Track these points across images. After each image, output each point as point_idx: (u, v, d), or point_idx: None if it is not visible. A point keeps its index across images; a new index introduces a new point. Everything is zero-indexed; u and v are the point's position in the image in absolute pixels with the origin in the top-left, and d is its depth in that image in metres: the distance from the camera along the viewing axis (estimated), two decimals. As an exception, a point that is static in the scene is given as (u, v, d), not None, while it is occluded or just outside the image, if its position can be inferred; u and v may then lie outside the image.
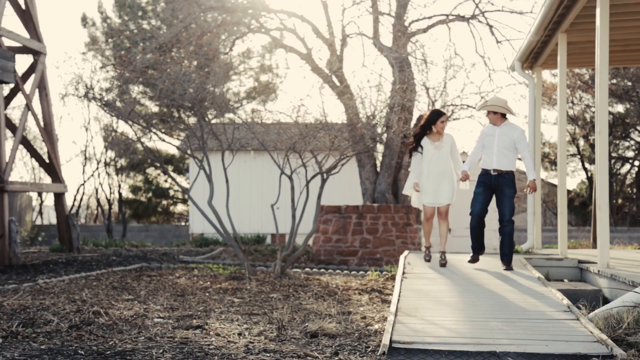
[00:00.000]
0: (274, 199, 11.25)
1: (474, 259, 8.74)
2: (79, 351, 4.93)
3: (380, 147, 18.16)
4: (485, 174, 8.48)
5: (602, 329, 5.38)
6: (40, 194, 29.93)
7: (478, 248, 8.69)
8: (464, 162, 8.89)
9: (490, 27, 17.87)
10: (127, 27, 25.80)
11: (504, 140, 8.37)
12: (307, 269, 11.96)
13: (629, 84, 26.46)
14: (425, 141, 8.88)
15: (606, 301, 7.51)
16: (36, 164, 28.88)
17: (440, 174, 8.80)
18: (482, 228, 8.59)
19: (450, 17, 18.12)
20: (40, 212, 30.44)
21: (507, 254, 8.42)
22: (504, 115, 8.51)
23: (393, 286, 8.80)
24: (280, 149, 11.33)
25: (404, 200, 18.33)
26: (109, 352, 4.91)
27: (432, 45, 35.01)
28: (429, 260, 9.01)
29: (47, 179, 27.92)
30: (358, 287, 9.03)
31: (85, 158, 29.04)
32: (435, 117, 8.82)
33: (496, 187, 8.38)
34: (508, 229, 8.37)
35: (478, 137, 8.71)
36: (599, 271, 8.16)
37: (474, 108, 18.10)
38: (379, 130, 12.63)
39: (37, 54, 14.96)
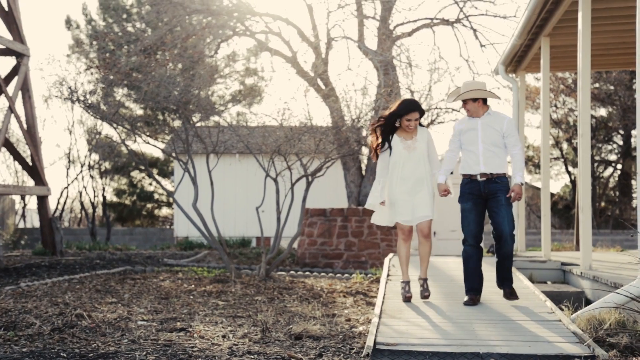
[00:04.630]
0: (259, 202, 11.24)
1: (473, 302, 6.48)
2: (61, 354, 4.89)
3: (365, 150, 18.19)
4: (469, 181, 6.54)
5: (584, 329, 5.42)
6: (23, 197, 29.70)
7: (477, 287, 6.55)
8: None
9: (475, 31, 17.98)
10: (111, 30, 25.69)
11: (490, 135, 6.48)
12: (292, 272, 11.95)
13: (612, 87, 26.73)
14: (394, 140, 6.77)
15: (588, 302, 7.57)
16: (19, 167, 28.65)
17: (416, 182, 6.68)
18: (480, 258, 6.58)
19: (435, 21, 18.22)
20: (23, 216, 30.20)
21: (508, 277, 6.57)
22: (485, 102, 6.58)
23: (378, 289, 8.81)
24: (266, 152, 11.33)
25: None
26: (91, 354, 4.88)
27: (417, 48, 35.23)
28: (408, 300, 6.65)
29: (30, 182, 27.72)
30: (343, 290, 9.03)
31: (69, 161, 28.86)
32: (404, 110, 6.63)
33: (488, 195, 6.46)
34: (508, 249, 6.45)
35: (452, 135, 6.75)
36: (581, 273, 8.22)
37: (458, 111, 18.18)
38: (364, 133, 12.67)
39: (21, 56, 14.86)
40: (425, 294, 6.68)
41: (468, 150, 6.57)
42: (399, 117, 6.66)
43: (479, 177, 6.47)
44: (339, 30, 36.05)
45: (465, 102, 6.58)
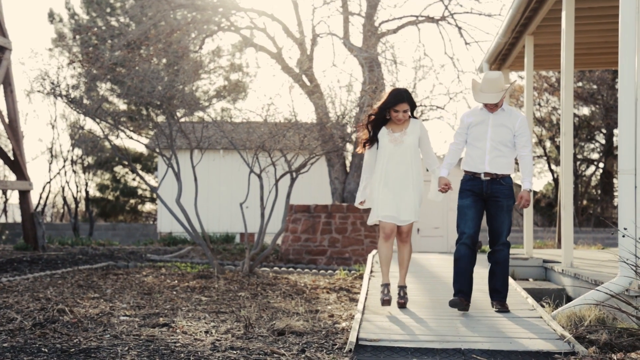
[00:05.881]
0: (243, 197, 11.22)
1: (463, 305, 5.92)
2: (43, 349, 4.86)
3: (349, 147, 18.23)
4: (472, 178, 6.09)
5: (564, 326, 5.47)
6: (4, 192, 29.44)
7: (467, 289, 6.02)
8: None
9: (459, 28, 18.07)
10: (95, 24, 25.51)
11: (500, 133, 6.02)
12: (275, 268, 11.95)
13: (595, 87, 26.94)
14: (382, 132, 6.25)
15: (569, 299, 7.64)
16: (1, 162, 28.37)
17: (402, 178, 6.16)
18: (473, 259, 6.07)
19: (420, 18, 18.29)
20: (5, 210, 29.94)
21: (499, 289, 6.07)
22: None
23: (361, 285, 8.83)
24: (250, 148, 11.32)
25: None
26: (73, 349, 4.85)
27: (402, 45, 35.19)
28: (388, 303, 6.09)
29: (12, 177, 27.47)
30: (326, 286, 9.05)
31: (52, 155, 28.64)
32: (392, 101, 6.11)
33: (489, 197, 6.03)
34: (503, 255, 6.09)
35: (459, 126, 6.25)
36: (562, 270, 8.29)
37: (443, 108, 18.26)
38: (349, 129, 12.68)
39: (2, 50, 14.71)
40: (401, 302, 6.17)
41: (474, 146, 6.09)
42: (388, 108, 6.15)
43: (482, 176, 6.03)
44: (324, 27, 36.08)
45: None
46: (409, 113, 6.17)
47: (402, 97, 6.09)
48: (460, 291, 5.99)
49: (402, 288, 6.28)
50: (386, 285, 6.18)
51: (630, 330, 5.10)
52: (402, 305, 6.16)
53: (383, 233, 6.23)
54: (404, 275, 6.31)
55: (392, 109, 6.12)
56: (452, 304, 5.89)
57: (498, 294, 6.07)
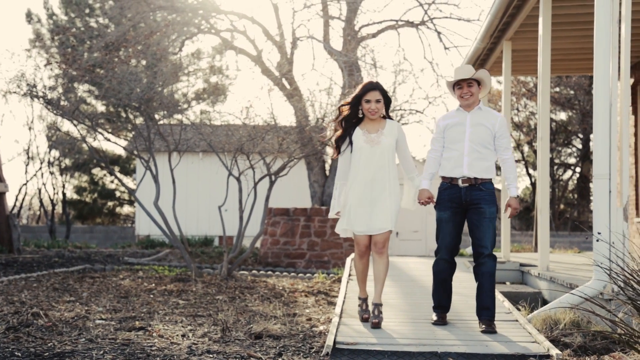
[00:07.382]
0: (222, 200, 11.19)
1: (442, 320, 5.74)
2: (16, 353, 4.81)
3: (329, 150, 18.25)
4: (449, 186, 5.62)
5: (540, 329, 5.51)
6: (-20, 194, 29.07)
7: (446, 302, 5.80)
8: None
9: (439, 33, 18.18)
10: (73, 25, 25.31)
11: (480, 133, 5.55)
12: (254, 271, 11.92)
13: (572, 92, 27.22)
14: (356, 133, 5.70)
15: (545, 303, 7.70)
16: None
17: (377, 183, 5.61)
18: (452, 273, 5.78)
19: (400, 23, 18.39)
20: (-20, 213, 29.56)
21: (488, 306, 5.51)
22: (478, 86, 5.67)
23: (339, 288, 8.84)
24: (229, 151, 11.29)
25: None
26: (47, 353, 4.80)
27: (382, 50, 35.44)
28: (366, 320, 5.71)
29: (-13, 178, 27.15)
30: (304, 290, 9.04)
31: (28, 157, 28.36)
32: (363, 90, 5.64)
33: (469, 205, 5.55)
34: (488, 267, 5.53)
35: (435, 132, 5.80)
36: (539, 274, 8.36)
37: (422, 112, 18.35)
38: (328, 133, 12.69)
39: (-21, 50, 14.56)
40: (375, 322, 5.50)
41: (450, 149, 5.62)
42: (359, 99, 5.64)
43: (460, 182, 5.54)
44: (304, 30, 36.07)
45: (460, 86, 5.63)
46: (383, 105, 5.66)
47: (372, 86, 5.62)
48: (440, 306, 5.78)
49: (377, 306, 5.61)
50: (364, 300, 5.91)
51: (603, 333, 5.16)
52: (376, 325, 5.49)
53: (358, 249, 5.76)
54: (380, 291, 5.65)
55: (363, 98, 5.62)
56: (435, 324, 5.68)
57: (487, 311, 5.50)
